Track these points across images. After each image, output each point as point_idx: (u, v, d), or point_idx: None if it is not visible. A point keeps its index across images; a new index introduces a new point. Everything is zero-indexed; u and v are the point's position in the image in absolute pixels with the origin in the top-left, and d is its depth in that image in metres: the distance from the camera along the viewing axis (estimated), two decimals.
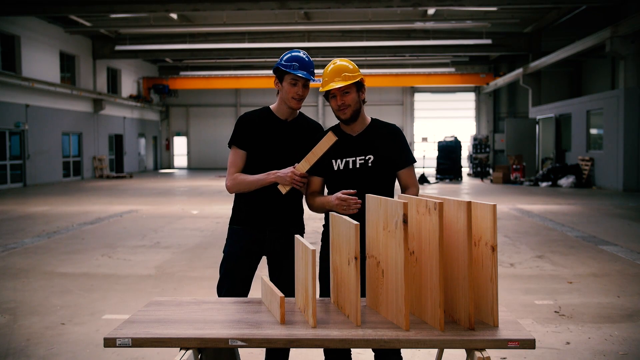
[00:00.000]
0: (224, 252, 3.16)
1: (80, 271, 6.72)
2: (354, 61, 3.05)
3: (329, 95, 2.96)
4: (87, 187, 20.47)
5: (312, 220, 10.64)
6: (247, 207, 3.10)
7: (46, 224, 10.57)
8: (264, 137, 3.09)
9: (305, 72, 3.01)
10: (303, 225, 3.24)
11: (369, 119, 3.06)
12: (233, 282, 3.07)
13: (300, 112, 3.20)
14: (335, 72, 2.92)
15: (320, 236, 3.15)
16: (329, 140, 2.88)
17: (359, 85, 2.96)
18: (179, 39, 24.37)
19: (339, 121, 3.04)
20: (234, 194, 3.18)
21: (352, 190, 2.85)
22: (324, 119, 34.41)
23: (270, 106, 3.18)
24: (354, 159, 2.97)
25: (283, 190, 2.99)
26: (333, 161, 3.01)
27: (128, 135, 29.74)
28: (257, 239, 3.09)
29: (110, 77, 28.39)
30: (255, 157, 3.09)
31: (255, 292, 3.08)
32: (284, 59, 3.07)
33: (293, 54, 3.07)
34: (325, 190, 3.16)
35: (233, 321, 2.41)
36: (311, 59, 3.12)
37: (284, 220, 3.12)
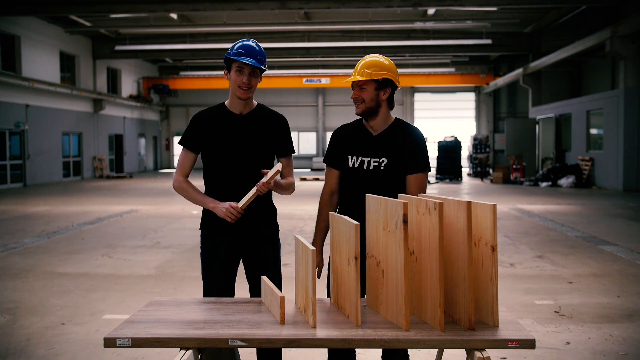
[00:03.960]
0: (201, 259, 3.08)
1: (80, 271, 6.72)
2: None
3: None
4: (87, 187, 20.47)
5: (312, 221, 10.64)
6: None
7: (46, 224, 10.56)
8: (217, 135, 2.96)
9: (252, 59, 2.88)
10: (277, 224, 3.13)
11: (393, 119, 3.00)
12: (216, 291, 3.00)
13: (259, 104, 3.07)
14: (361, 67, 2.90)
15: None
16: (275, 172, 2.77)
17: (381, 84, 2.90)
18: (179, 39, 24.37)
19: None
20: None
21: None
22: (324, 119, 34.42)
23: (225, 102, 3.05)
24: (369, 159, 2.93)
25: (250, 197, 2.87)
26: (349, 157, 2.97)
27: (128, 135, 29.73)
28: (232, 245, 2.99)
29: (110, 77, 28.39)
30: (211, 157, 2.97)
31: (240, 292, 3.08)
32: (233, 48, 2.94)
33: (242, 42, 2.94)
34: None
35: (233, 321, 2.41)
36: (262, 48, 2.99)
37: (257, 222, 3.00)
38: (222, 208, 2.87)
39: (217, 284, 3.01)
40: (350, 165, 2.97)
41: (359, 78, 2.87)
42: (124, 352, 4.00)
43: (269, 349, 2.94)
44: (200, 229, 3.10)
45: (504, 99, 32.18)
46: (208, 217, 3.03)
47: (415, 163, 2.91)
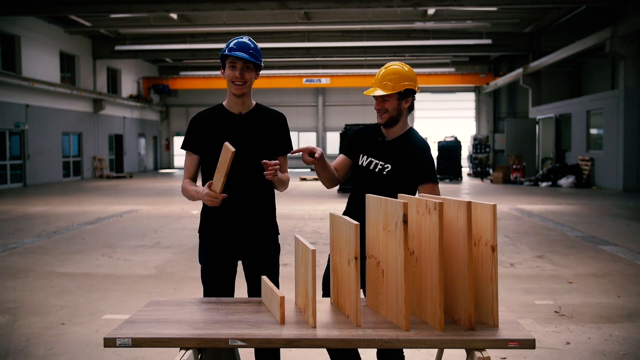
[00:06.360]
0: (199, 262, 3.06)
1: (80, 271, 6.72)
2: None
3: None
4: (87, 187, 20.47)
5: (312, 221, 10.63)
6: (215, 217, 2.94)
7: (46, 224, 10.56)
8: (216, 136, 2.90)
9: (243, 53, 2.84)
10: (276, 225, 3.08)
11: (408, 127, 3.07)
12: (214, 294, 2.98)
13: (258, 104, 3.03)
14: (381, 78, 2.97)
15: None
16: (226, 152, 2.63)
17: (403, 94, 2.96)
18: (179, 39, 24.37)
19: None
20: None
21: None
22: (324, 119, 34.41)
23: (223, 102, 3.02)
24: (377, 162, 3.02)
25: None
26: (361, 155, 3.09)
27: (128, 135, 29.73)
28: (229, 249, 2.96)
29: (110, 77, 28.39)
30: (210, 158, 2.89)
31: (240, 291, 3.08)
32: (227, 46, 2.93)
33: (235, 39, 2.93)
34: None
35: (233, 321, 2.41)
36: (257, 45, 2.96)
37: (256, 227, 2.96)
38: (203, 194, 2.76)
39: (214, 288, 2.99)
40: (360, 163, 3.09)
41: (381, 93, 2.92)
42: (124, 352, 4.00)
43: (267, 349, 2.94)
44: (199, 231, 3.06)
45: (504, 99, 32.19)
46: (205, 222, 3.01)
47: (424, 175, 2.97)
